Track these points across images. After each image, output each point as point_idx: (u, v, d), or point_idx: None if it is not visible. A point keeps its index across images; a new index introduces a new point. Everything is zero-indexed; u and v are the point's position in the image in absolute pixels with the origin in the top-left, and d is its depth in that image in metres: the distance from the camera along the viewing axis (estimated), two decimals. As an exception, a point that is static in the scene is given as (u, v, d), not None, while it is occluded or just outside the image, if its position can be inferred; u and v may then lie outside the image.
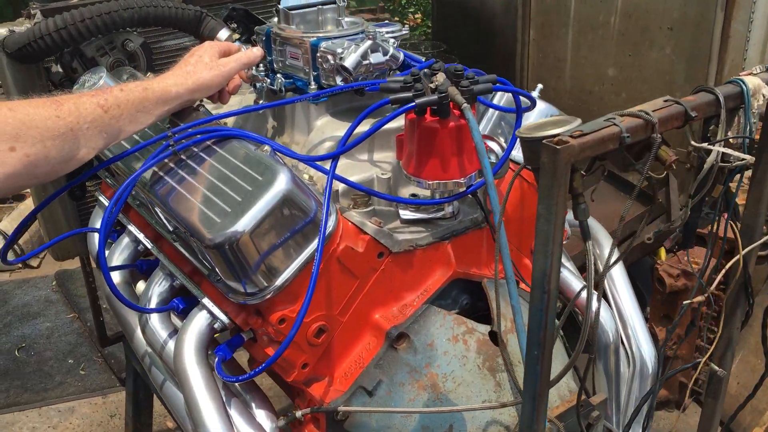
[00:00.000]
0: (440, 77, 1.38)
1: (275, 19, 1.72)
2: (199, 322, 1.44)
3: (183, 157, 1.44)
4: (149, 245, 1.65)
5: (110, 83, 1.63)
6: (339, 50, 1.50)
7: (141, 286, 1.75)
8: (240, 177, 1.33)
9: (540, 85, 1.74)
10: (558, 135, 0.91)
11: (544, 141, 0.89)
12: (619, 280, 1.90)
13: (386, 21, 1.73)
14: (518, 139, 0.98)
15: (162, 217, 1.48)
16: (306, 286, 1.35)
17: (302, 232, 1.33)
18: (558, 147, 0.87)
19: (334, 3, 1.66)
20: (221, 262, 1.30)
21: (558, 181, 0.88)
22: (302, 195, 1.32)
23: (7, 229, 4.55)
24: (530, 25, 5.59)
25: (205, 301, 1.44)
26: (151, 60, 1.94)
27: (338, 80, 1.52)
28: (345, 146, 1.36)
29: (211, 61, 1.52)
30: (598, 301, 1.04)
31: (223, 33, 1.89)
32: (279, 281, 1.33)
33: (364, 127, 1.56)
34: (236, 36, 1.91)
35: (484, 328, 1.48)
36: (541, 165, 0.90)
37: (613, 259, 1.06)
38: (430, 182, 1.42)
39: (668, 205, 3.80)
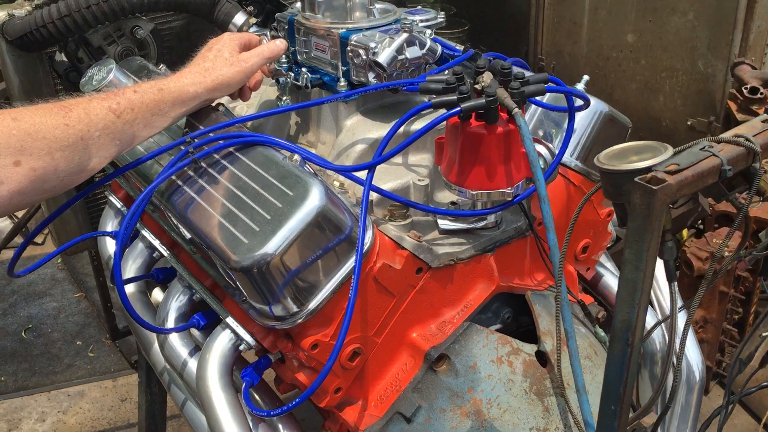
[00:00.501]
0: (487, 77, 1.25)
1: (298, 5, 1.57)
2: (222, 342, 1.33)
3: (203, 164, 1.32)
4: (165, 253, 1.53)
5: (120, 77, 1.49)
6: (372, 44, 1.36)
7: (157, 293, 1.64)
8: (268, 191, 1.21)
9: (586, 77, 1.60)
10: (651, 170, 0.78)
11: (636, 180, 0.76)
12: (663, 280, 1.78)
13: (419, 7, 1.58)
14: (600, 171, 0.85)
15: (180, 227, 1.36)
16: (340, 308, 1.24)
17: (336, 250, 1.21)
18: (654, 188, 0.75)
19: (364, -12, 1.51)
20: (248, 285, 1.19)
21: (652, 225, 0.76)
22: (337, 211, 1.20)
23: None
24: (546, -14, 5.39)
25: (229, 320, 1.33)
26: (162, 47, 1.80)
27: (371, 77, 1.39)
28: (381, 156, 1.23)
29: (231, 57, 1.39)
30: (686, 332, 0.93)
31: (239, 17, 1.75)
32: (311, 305, 1.21)
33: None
34: (253, 20, 1.76)
35: (530, 348, 1.37)
36: (632, 206, 0.77)
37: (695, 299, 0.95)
38: (473, 192, 1.29)
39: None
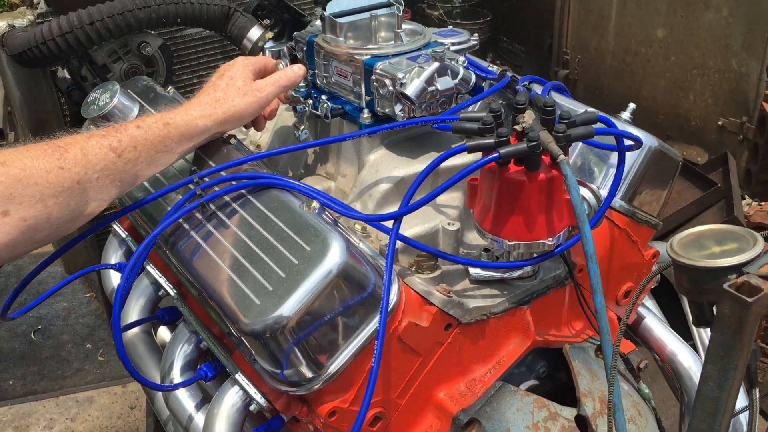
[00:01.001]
0: (528, 117, 1.11)
1: (318, 23, 1.44)
2: (231, 401, 1.21)
3: (212, 206, 1.20)
4: (171, 292, 1.41)
5: (125, 101, 1.38)
6: (399, 75, 1.22)
7: (164, 332, 1.53)
8: (283, 244, 1.09)
9: (632, 105, 1.46)
10: (741, 271, 0.65)
11: (725, 287, 0.63)
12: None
13: (450, 27, 1.44)
14: (676, 264, 0.72)
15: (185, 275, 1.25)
16: (361, 371, 1.12)
17: (358, 310, 1.09)
18: (749, 300, 0.61)
19: (390, 6, 1.38)
20: (260, 349, 1.07)
21: (743, 341, 0.63)
22: (359, 267, 1.08)
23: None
24: (572, -23, 5.21)
25: (239, 377, 1.21)
26: (171, 64, 1.67)
27: (397, 109, 1.26)
28: (409, 207, 1.11)
29: (244, 85, 1.26)
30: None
31: (255, 31, 1.62)
32: (329, 370, 1.09)
33: (424, 163, 1.31)
34: (269, 35, 1.63)
35: (570, 412, 1.25)
36: (719, 318, 0.64)
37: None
38: (510, 243, 1.16)
39: (728, 190, 3.50)
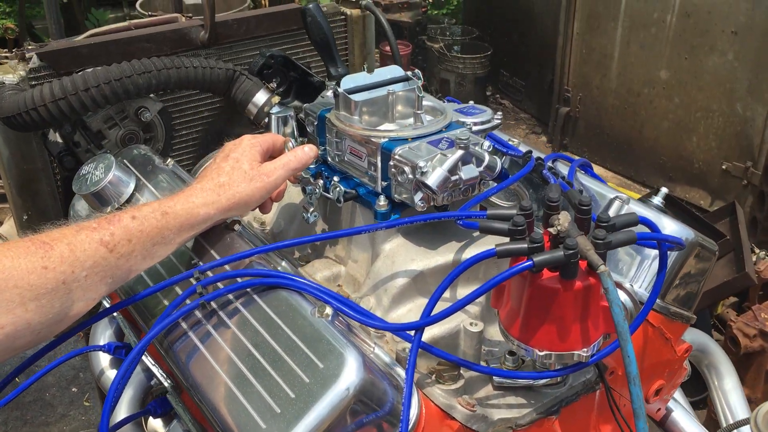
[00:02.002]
0: (564, 220, 1.01)
1: (329, 94, 1.34)
2: None
3: (213, 305, 1.09)
4: (166, 383, 1.30)
5: (120, 176, 1.28)
6: (420, 163, 1.12)
7: (155, 424, 1.41)
8: (292, 357, 0.98)
9: (664, 190, 1.37)
10: None
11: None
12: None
13: (470, 103, 1.35)
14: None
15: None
16: (374, 494, 1.01)
17: (374, 430, 0.98)
18: None
19: (408, 80, 1.28)
20: (264, 478, 0.96)
21: None
22: (377, 384, 0.97)
23: (8, 234, 4.21)
24: (575, 16, 5.16)
25: (239, 491, 1.10)
26: (170, 129, 1.57)
27: (417, 198, 1.16)
28: (431, 318, 1.01)
29: (251, 169, 1.16)
30: None
31: (261, 96, 1.52)
32: (341, 498, 0.98)
33: (444, 255, 1.21)
34: (276, 99, 1.53)
35: None
36: None
37: None
38: (541, 353, 1.06)
39: (737, 242, 3.41)
